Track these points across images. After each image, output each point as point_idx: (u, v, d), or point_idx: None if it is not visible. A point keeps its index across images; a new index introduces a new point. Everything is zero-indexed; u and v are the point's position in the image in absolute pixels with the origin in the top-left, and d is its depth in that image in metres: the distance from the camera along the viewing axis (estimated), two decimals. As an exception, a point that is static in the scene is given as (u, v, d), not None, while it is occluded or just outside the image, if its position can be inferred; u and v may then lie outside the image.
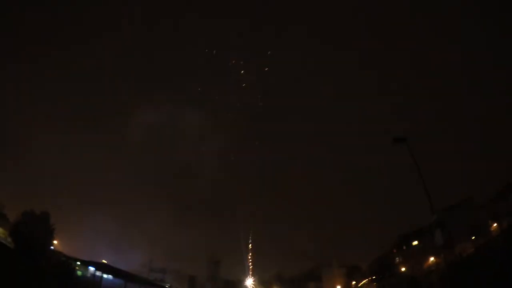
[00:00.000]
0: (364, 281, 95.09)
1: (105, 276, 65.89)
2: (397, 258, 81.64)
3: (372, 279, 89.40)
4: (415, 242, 76.03)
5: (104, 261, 72.21)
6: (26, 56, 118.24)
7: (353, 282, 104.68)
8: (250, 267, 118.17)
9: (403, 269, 76.97)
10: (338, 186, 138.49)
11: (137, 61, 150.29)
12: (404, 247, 79.87)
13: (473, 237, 54.43)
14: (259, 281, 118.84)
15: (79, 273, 58.96)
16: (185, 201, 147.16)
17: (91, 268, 63.95)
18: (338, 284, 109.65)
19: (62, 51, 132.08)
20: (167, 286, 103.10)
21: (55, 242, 57.51)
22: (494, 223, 53.27)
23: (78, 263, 60.98)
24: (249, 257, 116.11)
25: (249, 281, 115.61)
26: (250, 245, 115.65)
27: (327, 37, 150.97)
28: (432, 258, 66.41)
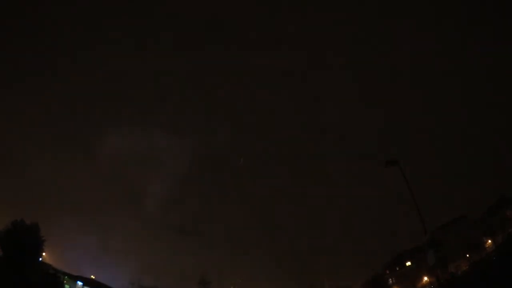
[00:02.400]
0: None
1: (93, 291, 64.24)
2: (390, 279, 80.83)
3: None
4: (408, 263, 75.68)
5: (92, 276, 70.24)
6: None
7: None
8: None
9: (396, 289, 76.29)
10: (330, 206, 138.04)
11: (110, 84, 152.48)
12: (397, 268, 79.34)
13: (468, 254, 54.47)
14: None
15: (67, 287, 57.39)
16: (171, 222, 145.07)
17: (79, 283, 62.34)
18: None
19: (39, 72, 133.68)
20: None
21: (43, 254, 55.91)
22: (488, 239, 53.49)
23: (66, 277, 59.46)
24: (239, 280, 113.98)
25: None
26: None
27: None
28: (425, 278, 66.08)
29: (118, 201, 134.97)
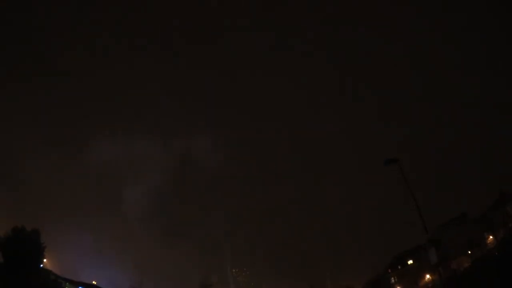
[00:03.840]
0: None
1: (94, 297, 64.01)
2: (392, 278, 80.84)
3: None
4: (410, 261, 75.69)
5: (94, 282, 70.06)
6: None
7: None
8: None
9: (398, 288, 76.32)
10: (331, 206, 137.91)
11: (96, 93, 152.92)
12: (399, 267, 79.32)
13: (469, 251, 54.48)
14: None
15: (68, 293, 57.25)
16: (171, 224, 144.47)
17: (81, 289, 62.20)
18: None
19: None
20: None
21: (44, 260, 55.68)
22: (490, 236, 53.57)
23: (68, 283, 59.28)
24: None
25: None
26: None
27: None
28: (428, 276, 66.10)
29: (114, 205, 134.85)
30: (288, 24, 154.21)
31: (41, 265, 53.58)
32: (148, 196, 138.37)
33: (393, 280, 79.73)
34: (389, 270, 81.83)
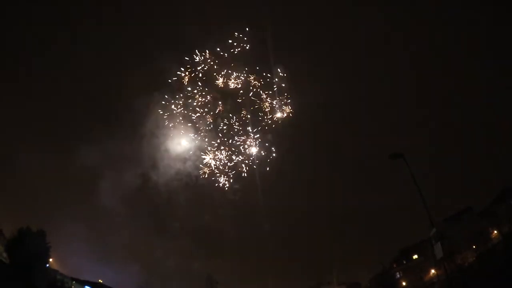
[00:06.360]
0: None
1: (101, 296, 64.55)
2: (397, 273, 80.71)
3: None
4: (415, 256, 75.53)
5: (100, 280, 70.37)
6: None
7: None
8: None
9: (404, 283, 76.13)
10: (335, 201, 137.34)
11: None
12: (404, 262, 79.17)
13: (474, 246, 54.30)
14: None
15: (75, 292, 57.78)
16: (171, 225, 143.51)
17: (87, 288, 62.71)
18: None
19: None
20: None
21: (50, 260, 56.19)
22: (494, 230, 53.33)
23: (74, 282, 59.80)
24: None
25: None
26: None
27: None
28: (433, 271, 65.98)
29: (116, 205, 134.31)
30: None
31: (47, 265, 54.13)
32: (148, 196, 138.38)
33: (398, 275, 79.59)
34: (394, 265, 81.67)
